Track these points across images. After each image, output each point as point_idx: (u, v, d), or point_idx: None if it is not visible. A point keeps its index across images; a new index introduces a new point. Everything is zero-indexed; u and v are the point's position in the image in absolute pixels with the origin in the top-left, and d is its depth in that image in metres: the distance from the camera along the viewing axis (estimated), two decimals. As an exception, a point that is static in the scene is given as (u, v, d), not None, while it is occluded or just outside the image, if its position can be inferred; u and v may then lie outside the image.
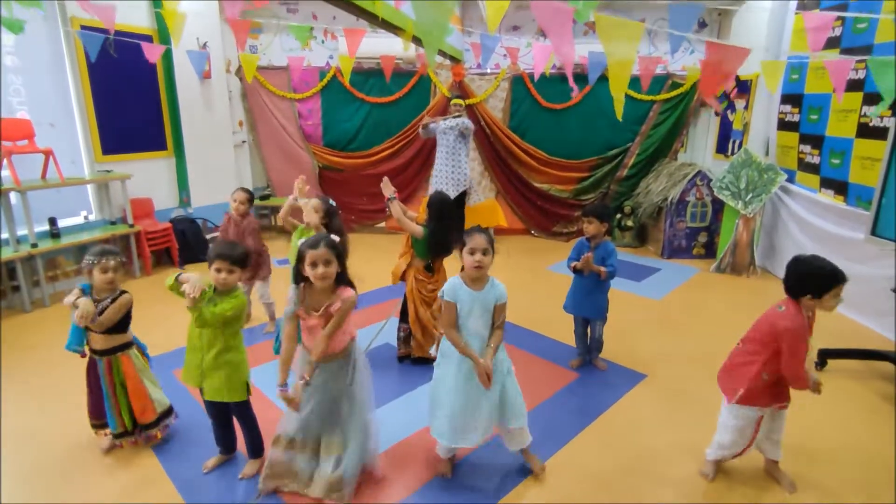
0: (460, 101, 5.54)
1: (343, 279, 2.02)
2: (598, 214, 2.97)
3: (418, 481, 2.25)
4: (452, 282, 2.09)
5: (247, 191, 3.55)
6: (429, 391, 2.26)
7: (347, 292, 2.00)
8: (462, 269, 2.12)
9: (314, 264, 1.92)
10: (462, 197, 5.68)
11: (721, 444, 2.22)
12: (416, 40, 3.57)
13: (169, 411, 2.47)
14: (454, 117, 5.43)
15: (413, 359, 3.25)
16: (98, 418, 2.40)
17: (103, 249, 2.23)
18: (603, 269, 2.93)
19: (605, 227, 2.98)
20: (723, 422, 2.20)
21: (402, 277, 3.22)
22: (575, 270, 3.04)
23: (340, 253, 1.99)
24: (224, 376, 2.13)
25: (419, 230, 2.96)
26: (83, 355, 2.32)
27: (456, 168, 5.51)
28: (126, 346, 2.34)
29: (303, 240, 2.04)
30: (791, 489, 2.19)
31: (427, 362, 3.21)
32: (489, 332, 2.10)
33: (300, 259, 1.96)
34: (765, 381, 2.05)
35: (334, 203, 3.04)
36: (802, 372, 1.97)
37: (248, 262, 2.17)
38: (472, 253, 2.01)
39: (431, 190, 5.65)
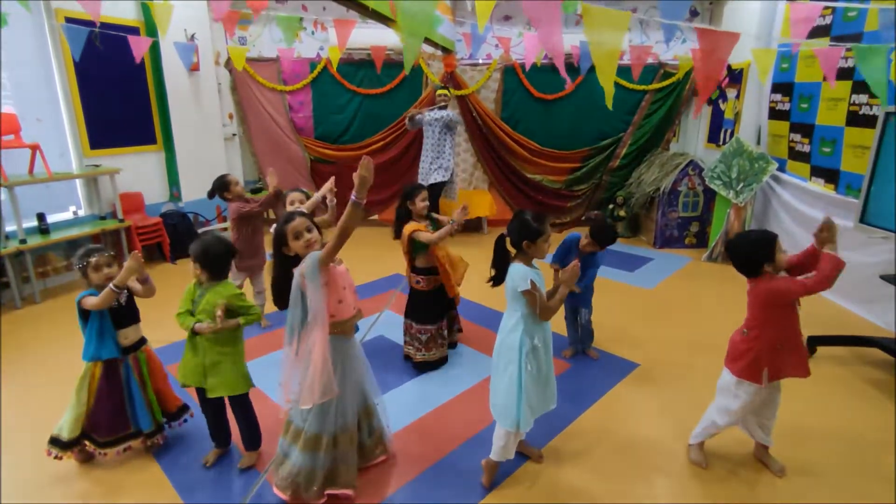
0: (446, 92, 5.53)
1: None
2: (599, 239, 2.91)
3: (420, 466, 2.27)
4: (526, 272, 2.05)
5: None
6: (510, 390, 2.07)
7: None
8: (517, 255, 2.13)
9: (298, 235, 1.91)
10: (439, 187, 5.67)
11: (713, 422, 2.24)
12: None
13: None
14: (439, 108, 5.43)
15: (432, 363, 3.11)
16: (117, 432, 2.26)
17: (88, 249, 2.20)
18: (577, 289, 2.92)
19: (599, 249, 2.97)
20: (722, 401, 2.21)
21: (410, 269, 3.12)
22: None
23: (314, 222, 2.01)
24: (226, 370, 2.15)
25: (444, 234, 2.87)
26: (116, 360, 2.23)
27: (438, 158, 5.53)
28: (144, 338, 2.35)
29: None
30: (780, 473, 2.23)
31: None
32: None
33: (282, 241, 1.93)
34: (778, 349, 2.06)
35: (305, 191, 3.06)
36: (817, 284, 1.92)
37: (211, 258, 2.13)
38: (546, 241, 2.10)
39: (419, 180, 5.65)
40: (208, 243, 2.14)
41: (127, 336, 2.25)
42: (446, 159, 5.57)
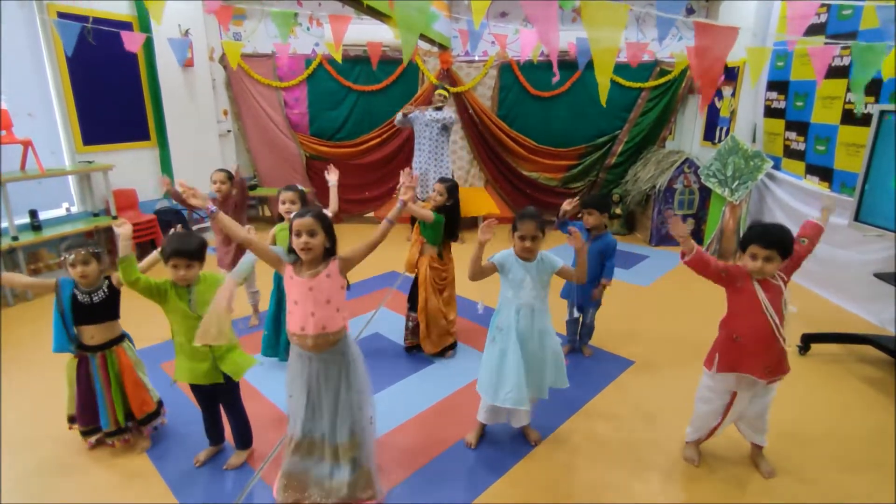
0: (444, 93, 5.49)
1: (332, 253, 1.94)
2: (597, 205, 2.94)
3: (415, 465, 2.26)
4: (504, 253, 2.23)
5: (223, 171, 3.48)
6: (486, 367, 2.26)
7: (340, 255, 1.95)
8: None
9: (298, 233, 1.86)
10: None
11: (696, 416, 2.28)
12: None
13: (160, 403, 2.44)
14: (435, 108, 5.38)
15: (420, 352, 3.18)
16: (88, 423, 2.31)
17: (69, 244, 2.17)
18: (606, 281, 2.99)
19: (605, 218, 2.98)
20: (698, 394, 2.26)
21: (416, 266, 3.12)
22: (561, 227, 2.95)
23: (329, 226, 1.91)
24: (235, 353, 2.15)
25: (430, 215, 2.90)
26: (76, 355, 2.25)
27: (439, 164, 5.51)
28: (120, 338, 2.31)
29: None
30: (769, 475, 2.22)
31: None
32: (543, 305, 2.23)
33: (291, 231, 1.90)
34: (735, 341, 2.07)
35: (300, 188, 3.02)
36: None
37: (204, 254, 2.10)
38: (522, 239, 2.16)
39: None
40: (190, 238, 2.09)
41: (93, 336, 2.22)
42: (446, 164, 5.54)
